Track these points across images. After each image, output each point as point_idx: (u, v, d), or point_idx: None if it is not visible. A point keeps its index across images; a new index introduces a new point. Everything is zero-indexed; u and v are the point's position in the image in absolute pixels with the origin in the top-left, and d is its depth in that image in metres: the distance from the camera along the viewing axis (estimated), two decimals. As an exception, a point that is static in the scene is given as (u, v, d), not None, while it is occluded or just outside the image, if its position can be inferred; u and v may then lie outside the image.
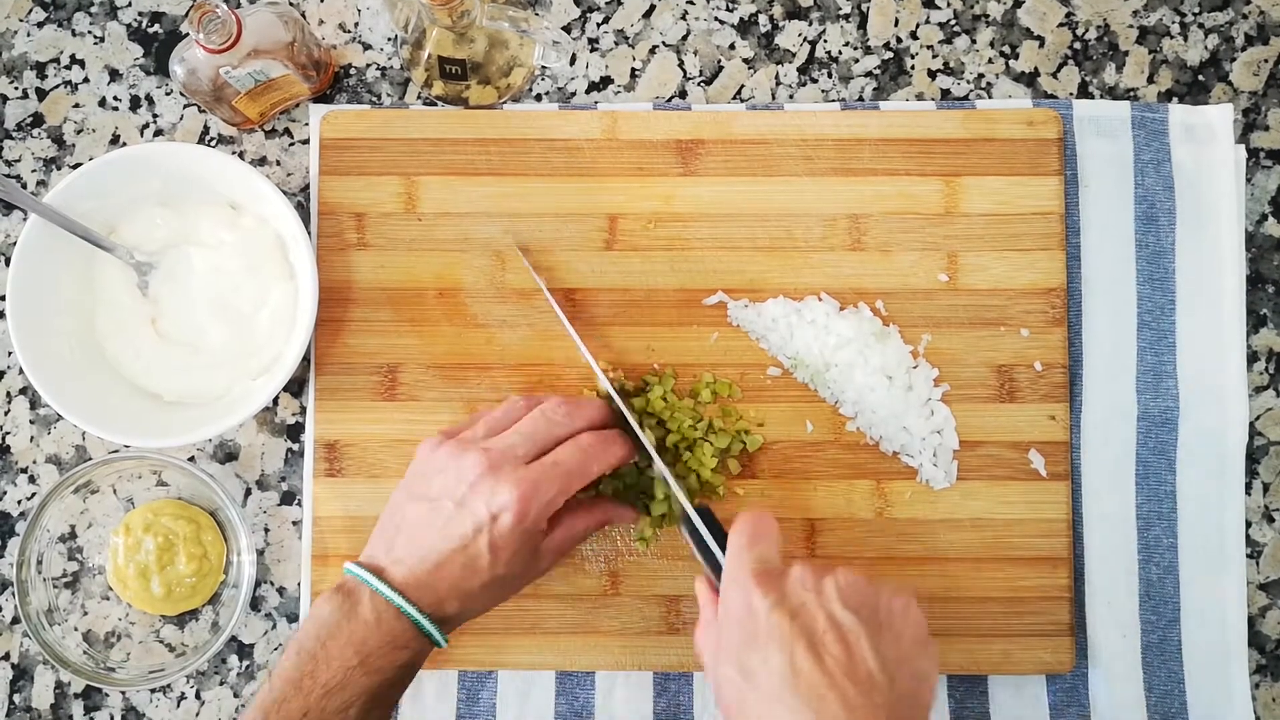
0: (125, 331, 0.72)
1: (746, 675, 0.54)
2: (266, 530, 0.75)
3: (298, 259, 0.71)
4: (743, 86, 0.77)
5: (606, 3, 0.78)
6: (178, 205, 0.73)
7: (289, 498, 0.75)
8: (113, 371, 0.72)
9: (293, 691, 0.57)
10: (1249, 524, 0.74)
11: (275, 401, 0.75)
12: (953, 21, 0.77)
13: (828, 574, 0.56)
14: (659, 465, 0.66)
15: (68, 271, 0.71)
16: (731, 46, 0.77)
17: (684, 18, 0.78)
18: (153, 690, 0.73)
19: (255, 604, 0.74)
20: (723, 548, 0.61)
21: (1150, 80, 0.77)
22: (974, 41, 0.77)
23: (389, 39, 0.78)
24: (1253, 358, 0.75)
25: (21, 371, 0.75)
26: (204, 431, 0.68)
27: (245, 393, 0.71)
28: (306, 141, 0.77)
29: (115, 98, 0.78)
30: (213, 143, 0.78)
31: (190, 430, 0.69)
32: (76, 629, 0.73)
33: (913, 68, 0.77)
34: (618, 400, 0.67)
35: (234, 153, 0.77)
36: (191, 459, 0.75)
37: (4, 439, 0.76)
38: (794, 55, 0.77)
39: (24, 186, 0.77)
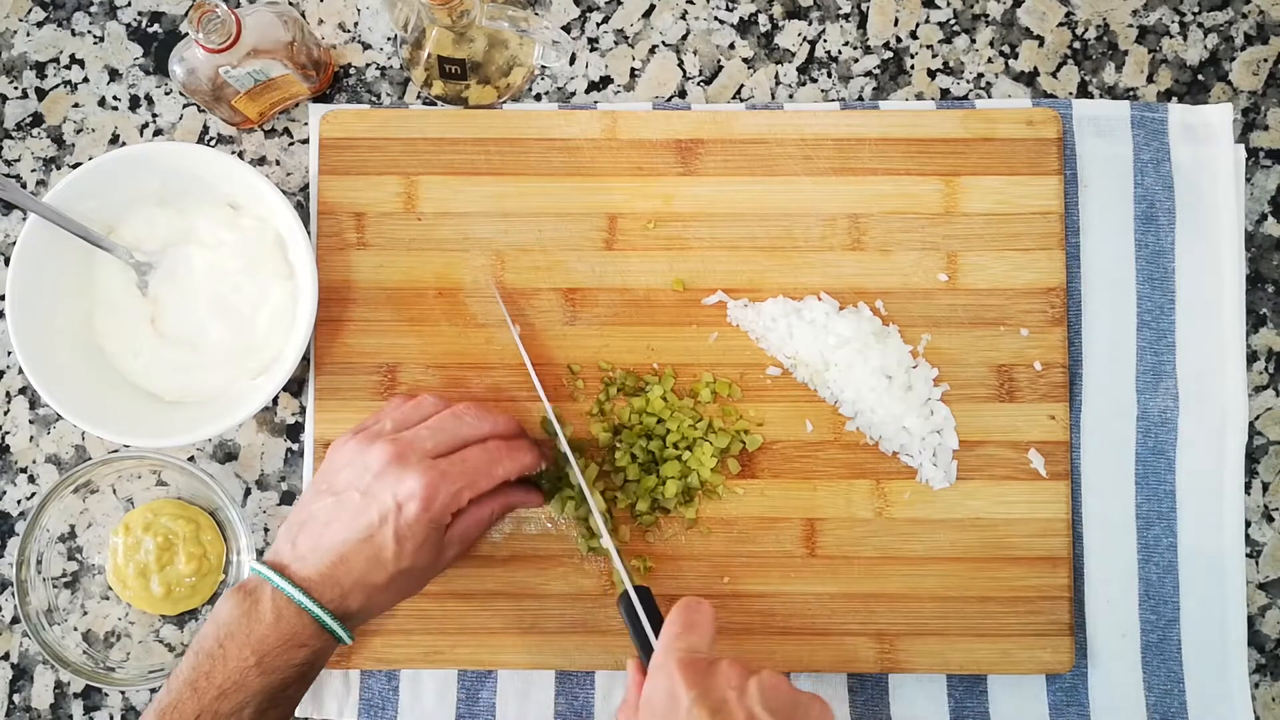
0: (125, 331, 0.72)
1: None
2: (266, 530, 0.75)
3: (297, 258, 0.71)
4: (742, 86, 0.77)
5: (606, 2, 0.78)
6: (177, 205, 0.73)
7: (289, 498, 0.75)
8: (112, 371, 0.72)
9: (188, 694, 0.57)
10: (1248, 524, 0.74)
11: (275, 401, 0.75)
12: (952, 21, 0.77)
13: (753, 674, 0.56)
14: (606, 540, 0.66)
15: (67, 271, 0.71)
16: (731, 46, 0.77)
17: (684, 17, 0.78)
18: (152, 690, 0.73)
19: (255, 604, 0.74)
20: (658, 630, 0.61)
21: (1150, 80, 0.77)
22: (973, 41, 0.77)
23: (388, 39, 0.78)
24: (1252, 357, 0.75)
25: (21, 371, 0.75)
26: (203, 431, 0.68)
27: (245, 392, 0.71)
28: (306, 141, 0.77)
29: (115, 97, 0.78)
30: (212, 142, 0.78)
31: (190, 430, 0.69)
32: (76, 629, 0.73)
33: (912, 67, 0.77)
34: (570, 455, 0.68)
35: (233, 152, 0.77)
36: (191, 459, 0.75)
37: (3, 439, 0.76)
38: (794, 55, 0.77)
39: (23, 186, 0.77)
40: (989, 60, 0.77)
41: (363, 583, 0.60)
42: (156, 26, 0.78)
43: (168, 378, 0.72)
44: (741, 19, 0.78)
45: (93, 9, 0.78)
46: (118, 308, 0.72)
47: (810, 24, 0.78)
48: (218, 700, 0.57)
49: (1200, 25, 0.77)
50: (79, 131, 0.78)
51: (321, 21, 0.78)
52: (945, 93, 0.77)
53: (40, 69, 0.78)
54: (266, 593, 0.59)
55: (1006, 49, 0.77)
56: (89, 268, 0.72)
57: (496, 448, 0.64)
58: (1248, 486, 0.74)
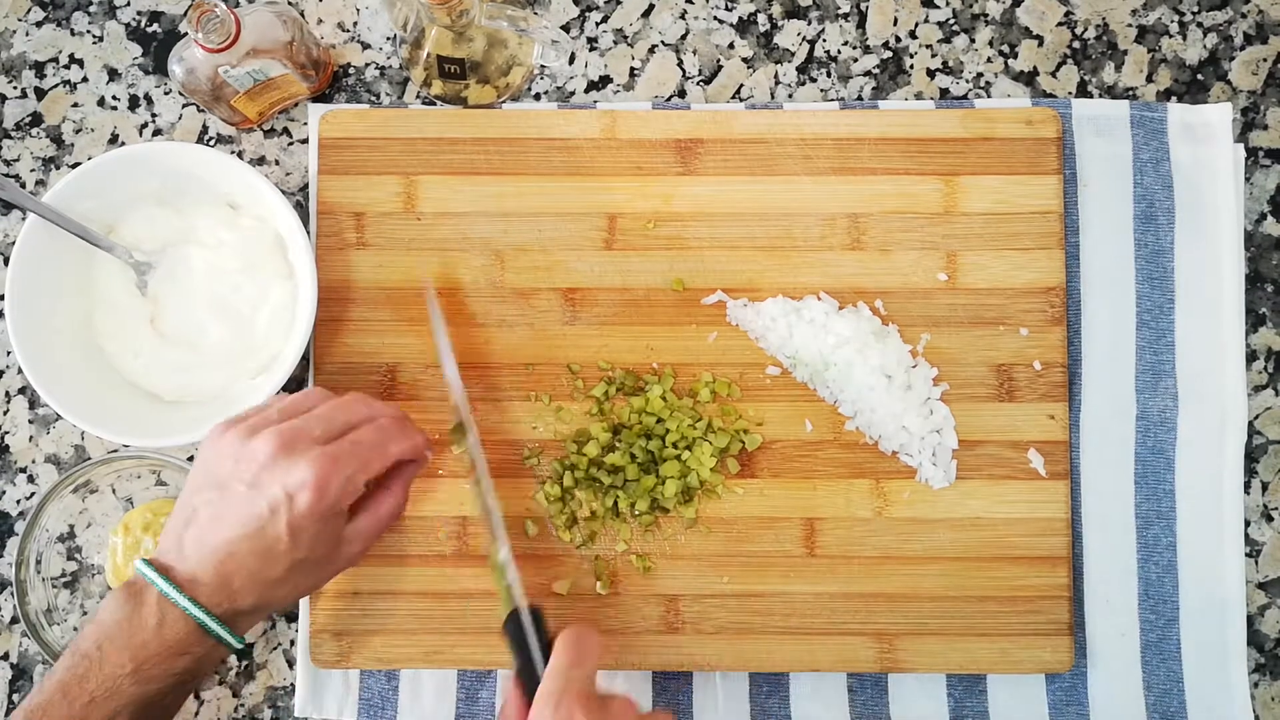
0: (124, 331, 0.72)
1: None
2: (266, 530, 0.75)
3: (297, 258, 0.71)
4: (742, 86, 0.77)
5: (605, 2, 0.78)
6: (176, 205, 0.73)
7: (288, 497, 0.75)
8: (112, 371, 0.72)
9: (59, 698, 0.55)
10: (1248, 523, 0.74)
11: (274, 401, 0.75)
12: (951, 21, 0.77)
13: (644, 717, 0.57)
14: (505, 553, 0.64)
15: (66, 271, 0.71)
16: (730, 46, 0.77)
17: (683, 17, 0.78)
18: (152, 690, 0.73)
19: (254, 603, 0.74)
20: (545, 653, 0.60)
21: (1149, 79, 0.77)
22: (973, 41, 0.77)
23: (388, 38, 0.78)
24: (1251, 356, 0.75)
25: (20, 371, 0.75)
26: (203, 431, 0.68)
27: (244, 392, 0.71)
28: (305, 141, 0.77)
29: (114, 97, 0.78)
30: (211, 142, 0.77)
31: (189, 430, 0.69)
32: (76, 629, 0.73)
33: (911, 67, 0.77)
34: (478, 460, 0.66)
35: (233, 152, 0.77)
36: (191, 458, 0.75)
37: (3, 438, 0.75)
38: (793, 54, 0.77)
39: (23, 186, 0.77)
40: (988, 60, 0.77)
41: (256, 579, 0.57)
42: (156, 26, 0.78)
43: (167, 378, 0.72)
44: (741, 18, 0.78)
45: (92, 9, 0.78)
46: (117, 308, 0.72)
47: (809, 23, 0.78)
48: (88, 708, 0.55)
49: (1199, 25, 0.77)
50: (78, 131, 0.78)
51: (321, 21, 0.78)
52: (945, 92, 0.77)
53: (39, 69, 0.78)
54: (151, 595, 0.57)
55: (1006, 48, 0.77)
56: (88, 267, 0.72)
57: (389, 424, 0.61)
58: (1247, 486, 0.74)
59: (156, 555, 0.59)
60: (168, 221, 0.73)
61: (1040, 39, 0.77)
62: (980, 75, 0.77)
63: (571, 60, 0.77)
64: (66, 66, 0.78)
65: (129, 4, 0.78)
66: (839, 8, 0.78)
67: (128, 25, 0.78)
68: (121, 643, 0.56)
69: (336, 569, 0.62)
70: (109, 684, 0.55)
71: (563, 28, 0.78)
